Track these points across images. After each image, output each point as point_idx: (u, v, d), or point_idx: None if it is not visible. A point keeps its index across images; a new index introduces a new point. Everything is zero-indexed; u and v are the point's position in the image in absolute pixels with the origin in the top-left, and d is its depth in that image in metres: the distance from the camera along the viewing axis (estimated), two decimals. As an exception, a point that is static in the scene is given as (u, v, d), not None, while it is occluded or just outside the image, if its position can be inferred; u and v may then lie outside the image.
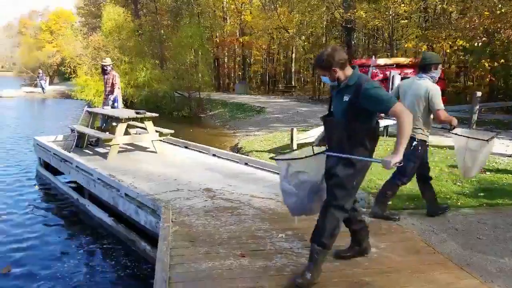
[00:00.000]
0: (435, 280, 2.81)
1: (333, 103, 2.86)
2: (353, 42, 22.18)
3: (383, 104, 2.59)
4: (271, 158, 2.81)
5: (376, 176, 6.16)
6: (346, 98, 2.68)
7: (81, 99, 21.69)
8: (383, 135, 9.47)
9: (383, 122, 9.32)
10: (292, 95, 25.88)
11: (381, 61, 15.95)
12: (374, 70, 15.30)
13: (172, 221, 3.92)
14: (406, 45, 18.84)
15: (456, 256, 3.26)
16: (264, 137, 10.64)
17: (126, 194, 4.92)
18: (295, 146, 8.01)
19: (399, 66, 15.16)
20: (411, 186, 5.51)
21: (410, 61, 16.30)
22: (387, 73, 12.96)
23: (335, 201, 2.73)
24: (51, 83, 37.86)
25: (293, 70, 29.99)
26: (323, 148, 2.89)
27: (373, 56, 17.22)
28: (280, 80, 32.25)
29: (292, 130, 8.12)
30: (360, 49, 27.49)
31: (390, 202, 4.89)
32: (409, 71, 15.47)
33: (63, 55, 33.01)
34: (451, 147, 8.06)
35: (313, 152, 2.84)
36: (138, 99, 20.21)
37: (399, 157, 2.51)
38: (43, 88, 30.55)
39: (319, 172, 2.78)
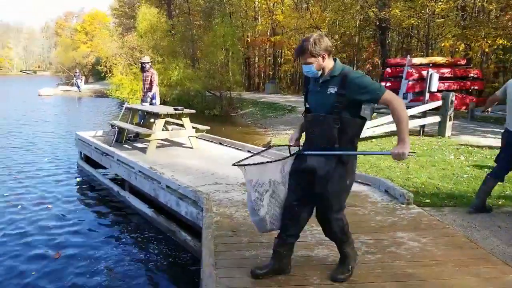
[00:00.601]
0: (478, 274, 2.80)
1: (313, 97, 2.63)
2: (387, 42, 21.81)
3: (374, 93, 2.43)
4: (234, 164, 2.68)
5: (413, 174, 6.11)
6: (332, 91, 2.48)
7: (116, 98, 22.41)
8: (419, 134, 9.34)
9: (418, 122, 9.19)
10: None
11: (417, 61, 15.65)
12: (409, 70, 15.05)
13: (213, 212, 4.04)
14: (442, 44, 18.40)
15: (499, 252, 3.23)
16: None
17: (167, 186, 5.09)
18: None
19: (435, 65, 14.84)
20: (451, 186, 5.46)
21: (446, 60, 15.93)
22: (423, 72, 12.74)
23: (334, 210, 2.64)
24: (86, 82, 39.19)
25: (324, 70, 29.77)
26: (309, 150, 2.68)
27: (408, 55, 16.93)
28: (311, 80, 32.05)
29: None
30: (394, 49, 27.02)
31: (429, 200, 4.87)
32: (446, 70, 15.14)
33: (97, 55, 34.14)
34: (491, 147, 7.88)
35: (290, 152, 2.70)
36: (170, 98, 20.67)
37: (408, 145, 2.42)
38: (79, 87, 31.65)
39: (285, 176, 2.66)
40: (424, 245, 3.29)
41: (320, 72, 2.53)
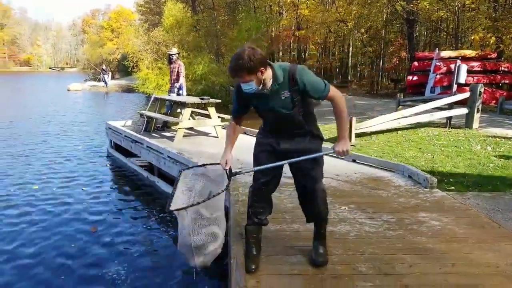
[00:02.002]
0: (499, 250, 2.85)
1: (267, 103, 2.48)
2: (414, 36, 21.45)
3: (320, 92, 2.41)
4: (167, 211, 2.34)
5: (438, 164, 6.11)
6: (286, 95, 2.43)
7: (142, 92, 22.92)
8: (446, 127, 9.24)
9: (444, 113, 9.10)
10: (348, 90, 25.55)
11: (445, 54, 15.38)
12: (437, 63, 14.82)
13: (239, 192, 4.19)
14: (472, 37, 17.97)
15: (523, 234, 3.25)
16: (320, 129, 10.72)
17: (194, 170, 5.28)
18: (353, 136, 8.05)
19: (464, 58, 14.51)
20: (476, 174, 5.44)
21: (476, 53, 15.56)
22: (452, 65, 12.54)
23: (319, 180, 2.69)
24: (112, 78, 40.10)
25: (349, 64, 29.54)
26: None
27: (437, 49, 16.65)
28: (335, 75, 31.88)
29: (351, 119, 8.15)
30: (421, 43, 26.53)
31: (453, 187, 4.89)
32: (475, 64, 14.81)
33: (123, 51, 34.88)
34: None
35: (228, 174, 2.57)
36: (195, 92, 20.99)
37: (348, 142, 2.47)
38: (106, 82, 32.51)
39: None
40: (446, 224, 3.35)
41: (261, 86, 2.38)
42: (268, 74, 2.37)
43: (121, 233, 4.85)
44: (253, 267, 2.63)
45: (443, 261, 2.72)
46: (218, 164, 2.65)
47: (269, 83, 2.39)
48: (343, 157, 2.45)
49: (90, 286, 3.70)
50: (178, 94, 8.77)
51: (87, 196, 6.18)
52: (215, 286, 3.70)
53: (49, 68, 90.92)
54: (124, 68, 35.42)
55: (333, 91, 2.45)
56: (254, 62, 2.25)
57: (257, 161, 2.70)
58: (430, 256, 2.79)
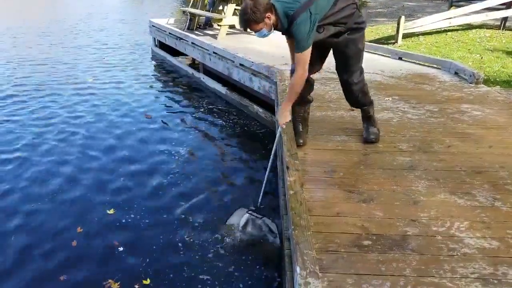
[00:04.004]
0: (541, 135, 2.98)
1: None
2: None
3: (297, 49, 2.46)
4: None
5: (487, 64, 5.97)
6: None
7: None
8: (499, 28, 8.72)
9: (500, 13, 8.52)
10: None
11: None
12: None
13: (286, 84, 4.38)
14: None
15: None
16: (366, 30, 10.34)
17: (240, 64, 5.46)
18: (400, 36, 7.81)
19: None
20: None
21: None
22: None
23: (354, 73, 2.77)
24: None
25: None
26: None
27: None
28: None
29: (399, 18, 7.84)
30: None
31: (499, 86, 4.85)
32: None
33: None
34: None
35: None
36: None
37: (282, 113, 2.64)
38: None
39: None
40: (487, 114, 3.46)
41: (273, 29, 2.51)
42: (275, 18, 2.46)
43: (172, 122, 5.29)
44: (301, 141, 2.92)
45: (480, 143, 2.90)
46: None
47: (279, 24, 2.48)
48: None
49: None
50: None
51: (136, 91, 6.60)
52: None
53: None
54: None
55: (301, 59, 2.46)
56: (258, 13, 2.38)
57: None
58: (469, 139, 2.97)
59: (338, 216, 2.09)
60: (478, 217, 2.07)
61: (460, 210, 2.14)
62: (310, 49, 2.45)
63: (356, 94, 2.86)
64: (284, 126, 2.71)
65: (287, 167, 2.36)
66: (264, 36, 2.55)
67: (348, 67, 2.75)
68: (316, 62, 2.72)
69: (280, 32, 2.58)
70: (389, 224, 2.02)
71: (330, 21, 2.53)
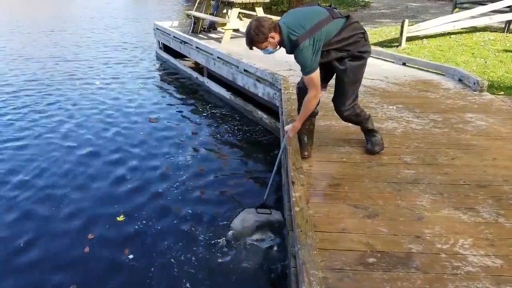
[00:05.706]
0: (544, 147, 2.99)
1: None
2: None
3: (303, 72, 2.53)
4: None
5: (491, 69, 5.96)
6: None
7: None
8: (504, 31, 8.70)
9: (504, 16, 8.50)
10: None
11: None
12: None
13: (290, 92, 4.40)
14: None
15: None
16: (369, 32, 10.37)
17: (245, 70, 5.49)
18: (404, 40, 7.81)
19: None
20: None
21: None
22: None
23: (344, 103, 2.81)
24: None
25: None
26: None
27: None
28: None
29: (403, 21, 7.83)
30: None
31: (503, 92, 4.86)
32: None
33: None
34: None
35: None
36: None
37: (294, 128, 2.77)
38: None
39: None
40: (491, 124, 3.48)
41: (278, 46, 2.58)
42: (280, 37, 2.52)
43: (175, 126, 5.36)
44: (306, 153, 2.95)
45: (485, 156, 2.92)
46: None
47: (283, 43, 2.55)
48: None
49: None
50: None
51: (138, 95, 6.64)
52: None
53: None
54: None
55: (310, 81, 2.53)
56: (261, 35, 2.47)
57: None
58: (473, 151, 2.99)
59: (343, 233, 2.12)
60: (482, 234, 2.10)
61: (464, 226, 2.16)
62: (317, 70, 2.50)
63: (349, 118, 2.92)
64: (291, 135, 2.81)
65: (293, 182, 2.40)
66: (270, 53, 2.62)
67: (341, 94, 2.78)
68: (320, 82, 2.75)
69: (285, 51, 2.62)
70: (393, 241, 2.05)
71: (333, 47, 2.57)
